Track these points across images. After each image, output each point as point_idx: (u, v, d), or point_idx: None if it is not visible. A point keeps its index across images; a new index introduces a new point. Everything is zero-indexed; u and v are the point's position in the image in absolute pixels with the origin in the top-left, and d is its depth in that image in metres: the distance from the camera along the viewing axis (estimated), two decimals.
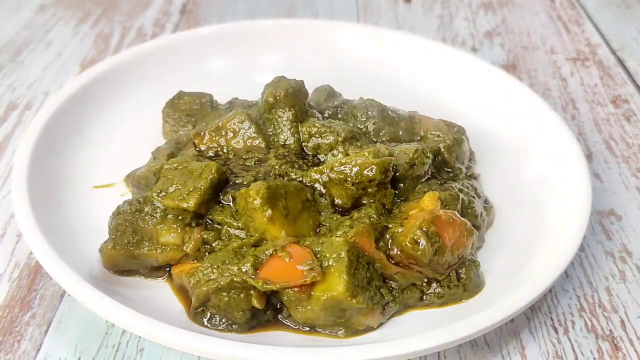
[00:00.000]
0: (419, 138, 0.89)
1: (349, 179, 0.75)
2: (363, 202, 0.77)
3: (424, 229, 0.70)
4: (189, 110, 0.94)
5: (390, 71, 1.08)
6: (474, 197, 0.82)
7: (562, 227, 0.77)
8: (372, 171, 0.75)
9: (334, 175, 0.76)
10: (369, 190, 0.76)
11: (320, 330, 0.70)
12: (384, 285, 0.72)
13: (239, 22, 1.23)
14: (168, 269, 0.76)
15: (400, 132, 0.88)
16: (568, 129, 0.91)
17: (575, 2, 1.48)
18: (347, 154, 0.80)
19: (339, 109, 0.91)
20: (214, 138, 0.84)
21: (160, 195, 0.75)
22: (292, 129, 0.84)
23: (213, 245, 0.74)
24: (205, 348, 0.63)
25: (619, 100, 1.15)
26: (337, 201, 0.76)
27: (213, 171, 0.76)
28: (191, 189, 0.75)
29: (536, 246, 0.78)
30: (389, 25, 1.37)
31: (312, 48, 0.97)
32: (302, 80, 0.87)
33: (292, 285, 0.67)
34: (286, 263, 0.68)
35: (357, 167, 0.75)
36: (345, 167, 0.75)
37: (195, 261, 0.74)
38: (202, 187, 0.75)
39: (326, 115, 0.91)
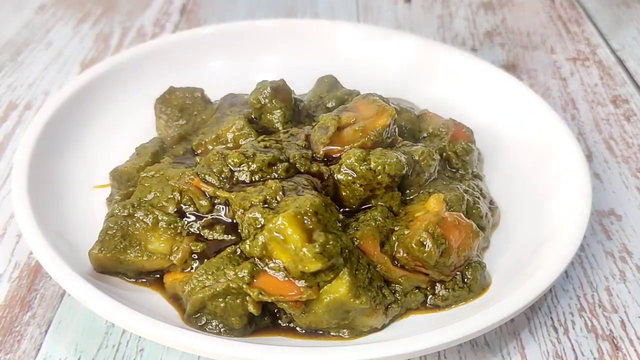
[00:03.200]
0: (425, 135, 0.90)
1: (357, 180, 0.75)
2: (370, 203, 0.77)
3: (430, 231, 0.70)
4: (182, 105, 0.94)
5: (390, 71, 1.08)
6: (479, 197, 0.82)
7: (562, 227, 0.77)
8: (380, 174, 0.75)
9: (341, 177, 0.76)
10: (377, 192, 0.76)
11: (322, 333, 0.70)
12: (385, 286, 0.72)
13: (239, 22, 1.23)
14: (157, 275, 0.75)
15: (403, 123, 0.89)
16: (568, 129, 0.91)
17: (575, 2, 1.48)
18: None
19: (342, 100, 0.91)
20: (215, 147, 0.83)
21: (140, 203, 0.75)
22: (284, 129, 0.84)
23: (201, 257, 0.73)
24: (205, 348, 0.63)
25: (619, 100, 1.15)
26: (344, 202, 0.76)
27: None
28: (170, 196, 0.75)
29: (536, 246, 0.78)
30: (389, 25, 1.37)
31: (312, 48, 0.97)
32: (282, 79, 0.88)
33: (287, 300, 0.67)
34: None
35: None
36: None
37: (185, 271, 0.73)
38: None
39: (329, 105, 0.91)
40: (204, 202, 0.75)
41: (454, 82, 1.06)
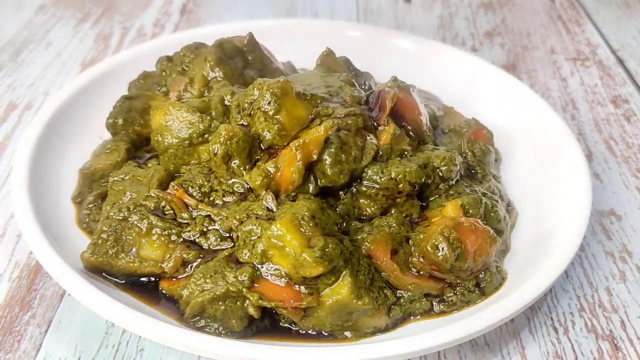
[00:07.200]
0: (447, 131, 0.91)
1: (380, 192, 0.75)
2: (390, 212, 0.77)
3: (445, 235, 0.70)
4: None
5: (390, 71, 1.08)
6: (497, 201, 0.81)
7: (562, 227, 0.77)
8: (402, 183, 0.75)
9: (364, 189, 0.75)
10: (398, 200, 0.76)
11: (324, 335, 0.70)
12: (386, 286, 0.71)
13: (239, 22, 1.23)
14: (151, 278, 0.75)
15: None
16: (568, 129, 0.91)
17: (575, 2, 1.48)
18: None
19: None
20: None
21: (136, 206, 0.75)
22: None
23: (193, 265, 0.72)
24: (205, 348, 0.63)
25: (619, 100, 1.15)
26: (367, 211, 0.76)
27: (162, 172, 0.78)
28: (147, 194, 0.76)
29: (536, 246, 0.78)
30: (389, 25, 1.37)
31: (312, 48, 0.97)
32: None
33: (286, 306, 0.66)
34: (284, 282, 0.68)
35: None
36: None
37: (175, 279, 0.72)
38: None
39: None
40: (185, 215, 0.75)
41: (454, 82, 1.06)
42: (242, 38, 0.93)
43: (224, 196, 0.75)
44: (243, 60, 0.91)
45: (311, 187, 0.73)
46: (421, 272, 0.72)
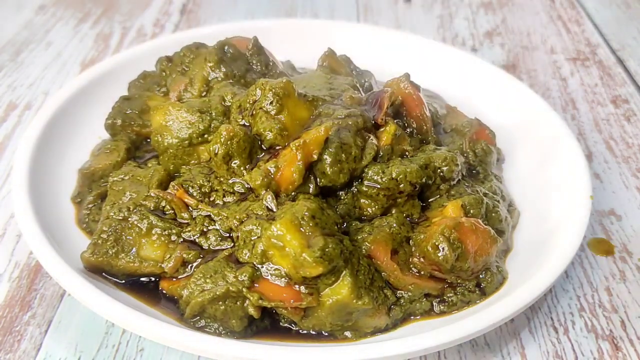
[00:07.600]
0: (450, 130, 0.91)
1: (381, 192, 0.75)
2: (391, 213, 0.76)
3: (445, 235, 0.70)
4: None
5: (389, 71, 1.08)
6: (498, 201, 0.81)
7: (562, 227, 0.77)
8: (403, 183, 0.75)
9: (365, 189, 0.75)
10: (399, 200, 0.76)
11: (324, 334, 0.70)
12: (386, 286, 0.71)
13: (239, 22, 1.23)
14: (151, 278, 0.75)
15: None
16: (568, 129, 0.91)
17: (575, 2, 1.48)
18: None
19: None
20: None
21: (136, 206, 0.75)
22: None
23: (193, 265, 0.72)
24: (205, 348, 0.63)
25: (619, 100, 1.15)
26: (368, 211, 0.76)
27: (162, 172, 0.78)
28: (146, 194, 0.76)
29: (536, 246, 0.78)
30: (389, 25, 1.37)
31: (312, 48, 0.97)
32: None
33: (286, 306, 0.66)
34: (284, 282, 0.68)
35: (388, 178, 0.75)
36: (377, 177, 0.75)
37: (175, 279, 0.72)
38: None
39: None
40: (185, 215, 0.75)
41: (454, 82, 1.06)
42: (245, 40, 0.93)
43: (224, 196, 0.75)
44: (246, 63, 0.90)
45: (311, 187, 0.73)
46: (421, 272, 0.72)
